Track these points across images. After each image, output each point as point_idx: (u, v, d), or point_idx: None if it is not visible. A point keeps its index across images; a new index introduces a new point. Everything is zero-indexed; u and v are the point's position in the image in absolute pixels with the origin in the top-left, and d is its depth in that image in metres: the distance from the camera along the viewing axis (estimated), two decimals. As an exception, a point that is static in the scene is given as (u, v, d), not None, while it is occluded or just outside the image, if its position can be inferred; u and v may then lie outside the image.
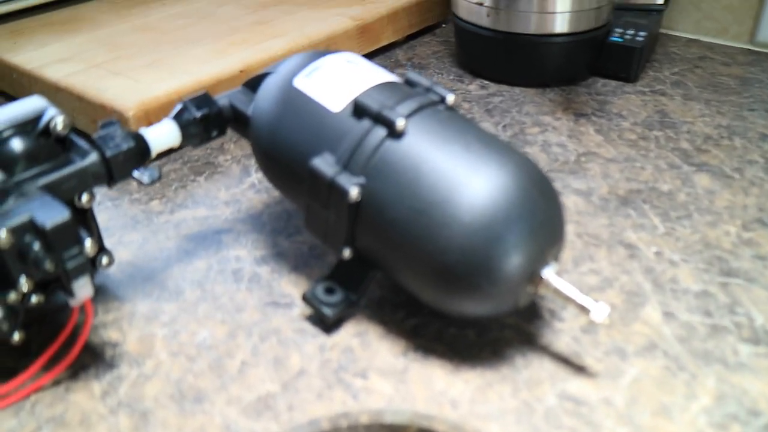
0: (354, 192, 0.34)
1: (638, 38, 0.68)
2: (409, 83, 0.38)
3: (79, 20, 0.72)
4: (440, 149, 0.33)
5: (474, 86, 0.68)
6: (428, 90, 0.37)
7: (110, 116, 0.53)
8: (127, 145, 0.37)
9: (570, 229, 0.47)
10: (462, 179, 0.32)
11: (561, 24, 0.64)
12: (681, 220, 0.48)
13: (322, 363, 0.37)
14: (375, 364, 0.36)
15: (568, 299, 0.34)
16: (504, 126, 0.60)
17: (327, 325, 0.39)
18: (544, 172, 0.35)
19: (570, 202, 0.50)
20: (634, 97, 0.66)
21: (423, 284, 0.34)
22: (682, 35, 0.82)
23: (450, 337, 0.38)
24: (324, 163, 0.35)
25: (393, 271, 0.36)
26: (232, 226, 0.48)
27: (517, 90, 0.67)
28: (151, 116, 0.53)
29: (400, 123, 0.34)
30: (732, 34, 0.79)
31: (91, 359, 0.38)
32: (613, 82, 0.69)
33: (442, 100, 0.37)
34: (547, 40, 0.65)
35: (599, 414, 0.34)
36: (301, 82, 0.38)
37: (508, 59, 0.67)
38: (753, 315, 0.40)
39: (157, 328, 0.39)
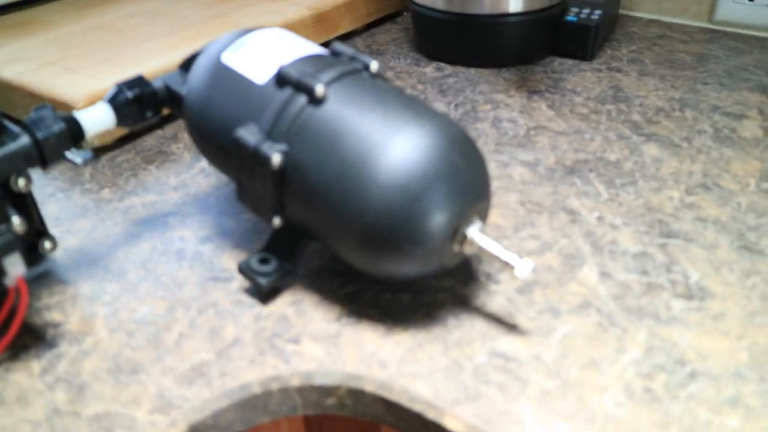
0: (276, 159, 0.34)
1: (593, 17, 0.68)
2: (335, 53, 0.39)
3: (35, 22, 0.73)
4: (359, 113, 0.34)
5: (430, 69, 0.68)
6: (352, 59, 0.38)
7: (61, 109, 0.54)
8: (58, 127, 0.37)
9: (513, 198, 0.47)
10: (379, 141, 0.33)
11: (515, 3, 0.65)
12: (626, 186, 0.48)
13: (256, 332, 0.37)
14: (308, 330, 0.37)
15: (492, 256, 0.34)
16: (456, 105, 0.60)
17: (262, 294, 0.39)
18: (466, 133, 0.36)
19: (516, 173, 0.50)
20: (590, 74, 0.66)
21: (348, 247, 0.35)
22: (643, 16, 0.82)
23: (384, 302, 0.38)
24: (248, 133, 0.35)
25: (321, 236, 0.36)
26: (179, 209, 0.48)
27: (472, 71, 0.67)
28: (102, 107, 0.54)
29: (319, 89, 0.34)
30: (692, 13, 0.79)
31: (33, 340, 0.38)
32: (570, 61, 0.69)
33: (366, 67, 0.37)
34: (502, 20, 0.65)
35: (528, 369, 0.34)
36: (228, 58, 0.39)
37: (464, 41, 0.67)
38: (689, 273, 0.40)
39: (98, 307, 0.40)
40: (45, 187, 0.52)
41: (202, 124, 0.39)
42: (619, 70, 0.67)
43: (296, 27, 0.69)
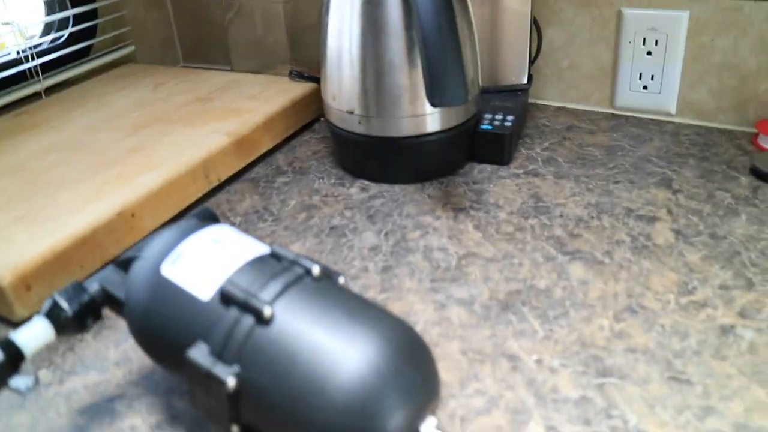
0: (231, 382, 0.35)
1: (507, 123, 0.71)
2: (276, 257, 0.39)
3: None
4: (307, 333, 0.35)
5: (355, 189, 0.70)
6: (293, 263, 0.39)
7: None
8: (-3, 359, 0.36)
9: (455, 347, 0.49)
10: (331, 364, 0.34)
11: (432, 124, 0.67)
12: (558, 319, 0.51)
13: None
14: None
15: (449, 453, 0.36)
16: (386, 233, 0.62)
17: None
18: (413, 334, 0.37)
19: (454, 315, 0.52)
20: (509, 182, 0.69)
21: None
22: (550, 104, 0.86)
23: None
24: (199, 354, 0.36)
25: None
26: (124, 391, 0.47)
27: (397, 188, 0.69)
28: (29, 280, 0.53)
29: (267, 312, 0.35)
30: (594, 100, 0.84)
31: None
32: (489, 167, 0.72)
33: (308, 272, 0.38)
34: (420, 140, 0.67)
35: None
36: (168, 270, 0.39)
37: (385, 162, 0.69)
38: (627, 416, 0.43)
39: None
40: (-24, 372, 0.50)
41: (148, 337, 0.39)
42: (536, 174, 0.70)
43: (218, 157, 0.69)
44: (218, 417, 0.37)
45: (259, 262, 0.39)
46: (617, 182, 0.68)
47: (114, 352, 0.51)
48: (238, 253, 0.39)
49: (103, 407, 0.46)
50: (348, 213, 0.66)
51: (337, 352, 0.34)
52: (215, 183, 0.70)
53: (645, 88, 0.80)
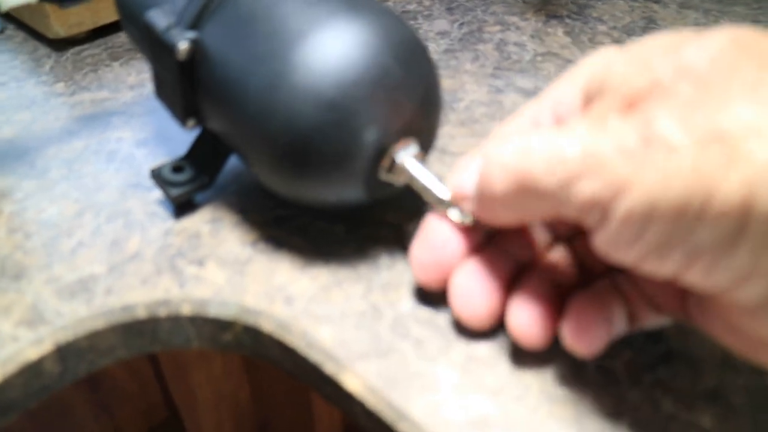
0: (183, 47, 0.29)
1: (637, -63, 0.60)
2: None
3: None
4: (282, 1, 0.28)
5: (445, -16, 0.61)
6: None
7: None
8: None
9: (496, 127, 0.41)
10: (296, 32, 0.27)
11: None
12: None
13: (161, 248, 0.32)
14: (218, 252, 0.32)
15: (424, 190, 0.29)
16: (461, 24, 0.54)
17: (174, 206, 0.34)
18: (413, 36, 0.29)
19: (508, 100, 0.44)
20: (622, 3, 0.58)
21: (256, 160, 0.29)
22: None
23: (315, 230, 0.33)
24: (158, 16, 0.30)
25: (234, 146, 0.31)
26: (127, 109, 0.43)
27: (491, -10, 0.60)
28: None
29: (238, -32, 0.29)
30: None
31: (-73, 232, 0.34)
32: (604, -13, 0.61)
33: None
34: (529, -67, 0.58)
35: (457, 327, 0.29)
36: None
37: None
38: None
39: (6, 204, 0.36)
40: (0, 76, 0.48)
41: (124, 3, 0.34)
42: (656, 1, 0.59)
43: None
44: (175, 105, 0.32)
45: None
46: (757, 22, 0.56)
47: (133, 78, 0.47)
48: None
49: (100, 119, 0.43)
50: (426, 2, 0.58)
51: (307, 23, 0.27)
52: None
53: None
